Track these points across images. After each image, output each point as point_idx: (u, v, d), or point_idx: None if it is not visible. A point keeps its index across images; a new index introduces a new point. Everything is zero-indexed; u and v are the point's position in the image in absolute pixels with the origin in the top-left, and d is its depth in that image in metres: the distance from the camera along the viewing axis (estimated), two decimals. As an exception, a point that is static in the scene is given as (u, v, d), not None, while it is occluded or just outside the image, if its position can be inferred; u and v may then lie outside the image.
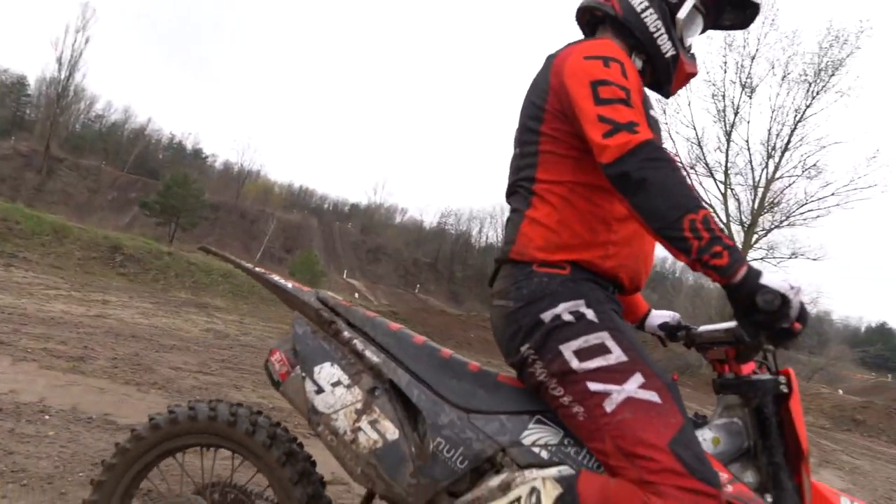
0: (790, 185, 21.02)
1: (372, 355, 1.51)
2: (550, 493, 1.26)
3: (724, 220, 21.60)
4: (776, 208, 21.10)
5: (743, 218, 21.55)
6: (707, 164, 21.89)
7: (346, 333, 1.54)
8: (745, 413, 1.41)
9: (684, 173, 1.27)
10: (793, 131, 20.70)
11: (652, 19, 1.48)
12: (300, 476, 1.57)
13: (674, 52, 1.49)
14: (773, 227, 21.21)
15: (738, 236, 21.52)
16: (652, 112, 1.49)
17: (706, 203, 21.99)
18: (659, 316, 1.82)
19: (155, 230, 38.87)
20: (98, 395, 3.94)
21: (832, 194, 20.30)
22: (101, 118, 58.78)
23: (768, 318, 1.13)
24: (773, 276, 1.15)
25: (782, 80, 20.76)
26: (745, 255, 20.23)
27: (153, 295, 11.24)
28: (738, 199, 21.71)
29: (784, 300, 1.12)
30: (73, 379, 4.24)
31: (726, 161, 21.59)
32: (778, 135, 21.01)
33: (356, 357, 1.53)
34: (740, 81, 21.09)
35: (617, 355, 1.27)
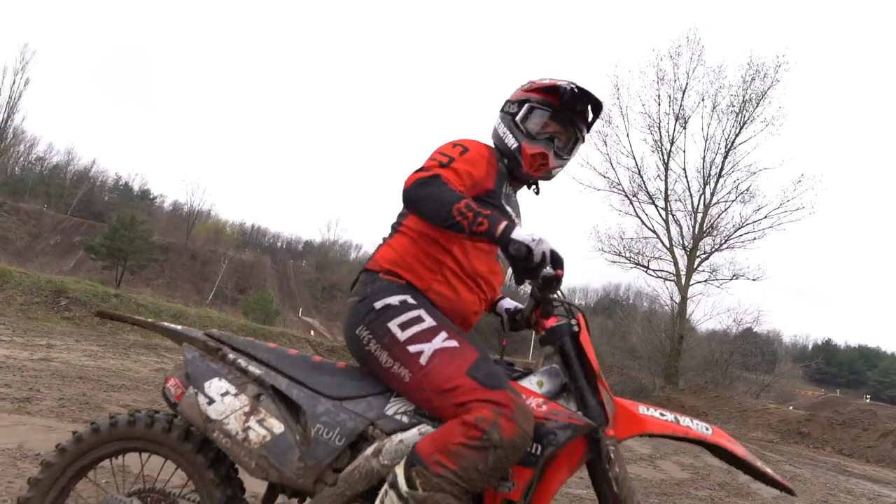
0: (726, 209, 22.09)
1: (255, 368, 1.80)
2: (401, 456, 1.57)
3: (668, 244, 22.40)
4: (715, 232, 22.05)
5: (685, 242, 22.42)
6: (648, 192, 22.80)
7: (231, 355, 1.84)
8: (557, 356, 1.71)
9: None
10: (725, 159, 21.87)
11: (501, 128, 2.04)
12: (222, 478, 1.79)
13: (516, 144, 1.99)
14: (713, 250, 22.16)
15: (682, 260, 22.33)
16: (506, 190, 1.98)
17: (649, 228, 22.66)
18: (506, 302, 2.21)
19: (101, 274, 37.67)
20: (45, 434, 3.93)
21: (765, 217, 21.39)
22: (43, 160, 57.21)
23: (521, 265, 1.54)
24: (522, 231, 1.57)
25: (712, 111, 21.94)
26: (689, 277, 20.64)
27: (100, 338, 11.01)
28: (679, 225, 22.64)
29: (528, 248, 1.53)
30: (19, 419, 4.21)
31: (665, 188, 22.56)
32: (712, 162, 22.11)
33: (241, 372, 1.81)
34: (674, 113, 22.19)
35: (428, 322, 1.69)
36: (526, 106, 2.01)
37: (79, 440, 1.81)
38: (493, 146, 2.07)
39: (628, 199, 22.94)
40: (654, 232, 22.74)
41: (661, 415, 1.68)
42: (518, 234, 1.56)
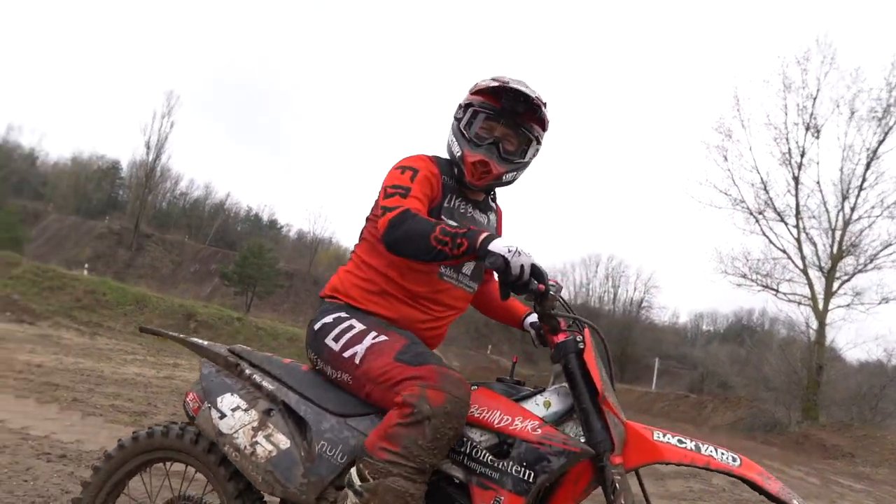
0: (870, 225, 19.87)
1: (268, 384, 1.84)
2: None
3: (801, 265, 20.56)
4: (857, 251, 19.94)
5: (821, 263, 20.46)
6: (776, 209, 21.08)
7: (247, 371, 1.88)
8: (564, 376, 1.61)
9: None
10: (867, 170, 19.74)
11: (450, 135, 1.99)
12: (241, 491, 1.84)
13: (460, 152, 1.93)
14: (856, 270, 19.98)
15: (818, 282, 20.37)
16: (449, 203, 1.93)
17: (779, 248, 21.09)
18: (532, 317, 2.19)
19: (234, 299, 40.57)
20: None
21: (920, 232, 19.05)
22: (185, 195, 62.89)
23: (501, 277, 1.52)
24: (500, 241, 1.54)
25: (850, 118, 20.00)
26: (827, 302, 18.61)
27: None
28: (814, 244, 20.67)
29: (505, 260, 1.49)
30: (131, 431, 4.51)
31: (797, 204, 20.73)
32: (851, 174, 20.07)
33: (255, 387, 1.85)
34: (804, 122, 20.48)
35: (358, 327, 1.77)
36: (470, 110, 1.94)
37: (121, 447, 1.93)
38: (433, 157, 2.02)
39: (753, 216, 21.28)
40: (784, 252, 20.92)
41: (681, 442, 1.52)
42: (495, 244, 1.54)
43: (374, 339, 1.73)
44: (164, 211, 59.30)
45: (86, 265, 31.88)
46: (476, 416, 1.64)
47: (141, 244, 49.08)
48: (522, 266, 1.50)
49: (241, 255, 42.14)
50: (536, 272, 1.52)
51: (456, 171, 1.97)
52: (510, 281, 1.50)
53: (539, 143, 2.00)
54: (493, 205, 2.16)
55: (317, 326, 1.84)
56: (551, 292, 1.58)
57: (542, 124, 1.97)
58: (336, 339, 1.77)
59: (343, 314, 1.83)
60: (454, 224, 1.66)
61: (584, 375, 1.57)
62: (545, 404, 1.65)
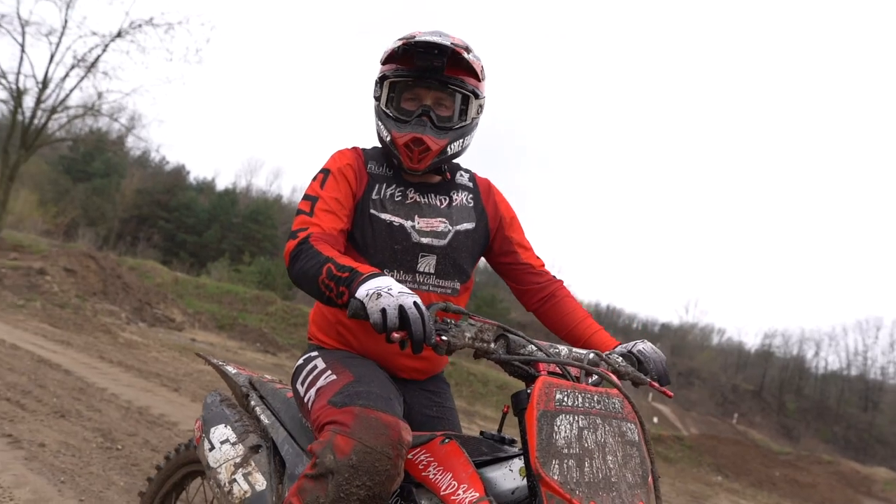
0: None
1: (265, 419, 1.76)
2: None
3: None
4: None
5: None
6: None
7: (253, 402, 1.82)
8: None
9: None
10: None
11: (375, 119, 1.72)
12: None
13: (388, 135, 1.66)
14: None
15: None
16: (379, 195, 1.69)
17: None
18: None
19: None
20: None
21: None
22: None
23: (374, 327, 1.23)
24: (368, 284, 1.28)
25: None
26: None
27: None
28: None
29: (362, 305, 1.24)
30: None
31: None
32: None
33: (254, 421, 1.79)
34: None
35: (319, 368, 1.58)
36: (386, 84, 1.66)
37: (167, 459, 2.05)
38: (357, 148, 1.78)
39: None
40: None
41: None
42: (360, 290, 1.28)
43: (325, 379, 1.53)
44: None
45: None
46: (430, 477, 1.43)
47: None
48: (384, 311, 1.21)
49: (475, 305, 44.00)
50: (404, 318, 1.22)
51: (395, 160, 1.69)
52: (377, 331, 1.23)
53: (478, 96, 1.69)
54: (468, 182, 1.82)
55: (294, 372, 1.69)
56: (455, 340, 1.29)
57: (475, 73, 1.65)
58: (302, 383, 1.60)
59: (313, 354, 1.68)
60: (343, 263, 1.37)
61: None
62: (522, 472, 1.38)
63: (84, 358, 6.80)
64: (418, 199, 1.71)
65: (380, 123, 1.69)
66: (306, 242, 1.50)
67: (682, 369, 62.98)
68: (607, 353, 1.66)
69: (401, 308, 1.23)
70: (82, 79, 16.04)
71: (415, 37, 1.59)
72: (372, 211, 1.67)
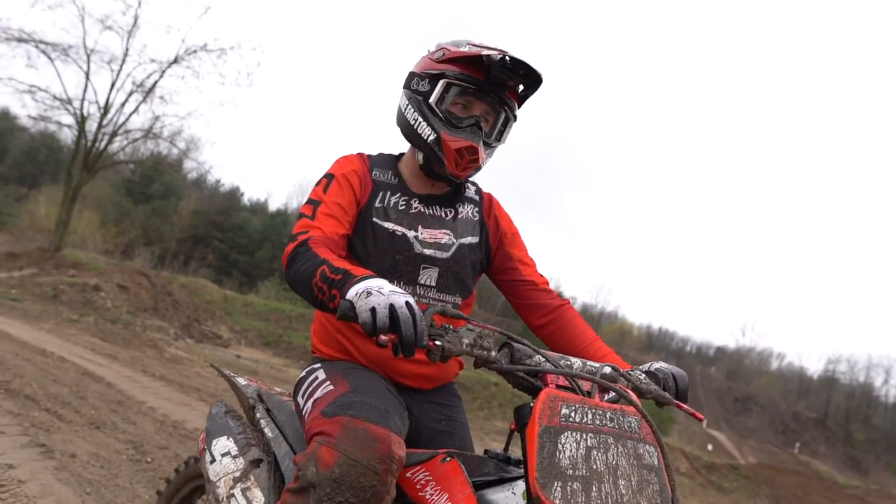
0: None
1: (269, 432, 1.70)
2: None
3: None
4: None
5: None
6: None
7: (258, 414, 1.76)
8: None
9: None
10: None
11: (410, 112, 1.63)
12: None
13: (434, 135, 1.59)
14: None
15: None
16: (382, 202, 1.65)
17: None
18: None
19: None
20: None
21: None
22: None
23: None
24: (359, 285, 1.21)
25: None
26: None
27: (473, 421, 11.98)
28: None
29: (352, 305, 1.16)
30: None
31: None
32: None
33: (260, 434, 1.72)
34: None
35: (320, 379, 1.52)
36: (441, 82, 1.59)
37: (177, 472, 2.02)
38: (363, 154, 1.73)
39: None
40: None
41: None
42: (351, 290, 1.22)
43: (323, 390, 1.47)
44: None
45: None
46: (427, 497, 1.32)
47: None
48: (373, 310, 1.12)
49: (522, 327, 43.49)
50: (394, 317, 1.12)
51: (421, 159, 1.64)
52: (367, 333, 1.14)
53: (515, 121, 1.69)
54: (474, 195, 1.78)
55: (296, 384, 1.65)
56: (450, 345, 1.18)
57: (521, 100, 1.66)
58: (303, 395, 1.55)
59: (315, 366, 1.62)
60: (338, 266, 1.31)
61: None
62: (524, 495, 1.23)
63: (128, 371, 6.92)
64: (423, 210, 1.67)
65: (419, 120, 1.62)
66: (305, 245, 1.46)
67: (739, 395, 60.74)
68: (628, 370, 1.52)
69: (391, 307, 1.14)
70: (140, 103, 16.76)
71: (505, 52, 1.55)
72: (374, 219, 1.63)
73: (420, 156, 1.65)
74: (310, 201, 1.60)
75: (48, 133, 35.42)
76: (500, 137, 1.68)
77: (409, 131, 1.65)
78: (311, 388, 1.54)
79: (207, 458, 1.71)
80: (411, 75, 1.67)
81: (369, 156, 1.74)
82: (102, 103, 16.71)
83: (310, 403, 1.49)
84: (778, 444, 48.83)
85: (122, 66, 16.68)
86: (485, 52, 1.54)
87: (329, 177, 1.64)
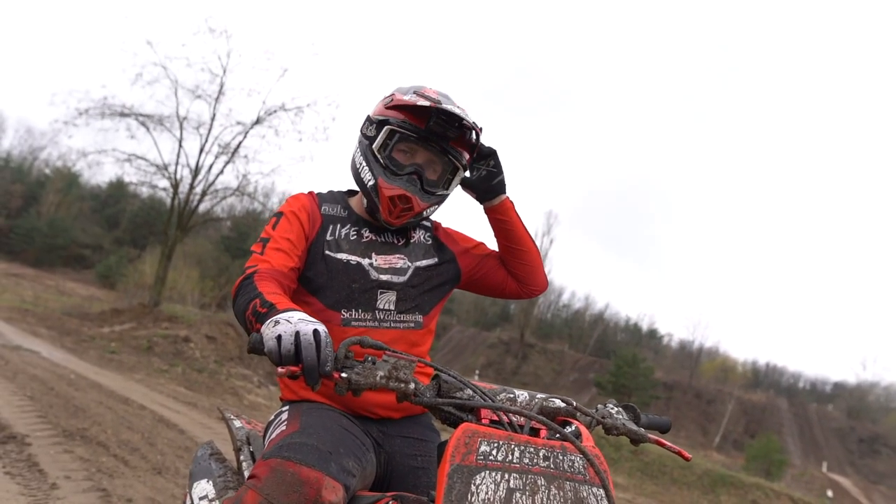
0: None
1: (247, 473, 1.61)
2: None
3: None
4: None
5: None
6: None
7: (242, 457, 1.71)
8: None
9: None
10: None
11: (358, 157, 1.66)
12: None
13: (372, 181, 1.61)
14: None
15: None
16: (333, 235, 1.67)
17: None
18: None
19: (608, 409, 40.05)
20: None
21: None
22: (567, 307, 66.48)
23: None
24: (279, 315, 1.21)
25: None
26: None
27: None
28: None
29: (260, 338, 1.18)
30: None
31: None
32: None
33: (242, 476, 1.66)
34: None
35: (283, 419, 1.51)
36: (385, 129, 1.60)
37: None
38: (313, 193, 1.77)
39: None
40: None
41: None
42: (265, 324, 1.23)
43: (278, 431, 1.46)
44: (547, 322, 63.56)
45: (477, 372, 35.84)
46: None
47: (526, 353, 53.18)
48: (279, 338, 1.13)
49: (615, 364, 41.99)
50: (298, 345, 1.12)
51: (365, 202, 1.68)
52: (273, 363, 1.14)
53: (465, 170, 1.70)
54: (425, 221, 1.79)
55: (265, 428, 1.65)
56: (358, 378, 1.13)
57: (471, 149, 1.67)
58: (267, 437, 1.55)
59: (284, 407, 1.61)
60: (268, 300, 1.32)
61: None
62: None
63: (203, 419, 7.16)
64: (374, 238, 1.70)
65: (363, 164, 1.65)
66: (249, 278, 1.48)
67: (864, 435, 55.33)
68: (604, 404, 1.39)
69: (297, 335, 1.13)
70: (227, 164, 17.86)
71: (440, 102, 1.56)
72: (327, 252, 1.65)
73: (365, 200, 1.69)
74: (260, 239, 1.63)
75: (155, 198, 38.39)
76: (447, 186, 1.69)
77: (354, 174, 1.69)
78: (271, 430, 1.54)
79: (188, 502, 1.70)
80: (366, 119, 1.70)
81: (318, 193, 1.78)
82: (193, 166, 17.97)
83: (265, 444, 1.50)
84: (800, 465, 43.77)
85: (209, 130, 17.92)
86: (420, 101, 1.56)
87: (278, 215, 1.67)
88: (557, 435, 1.23)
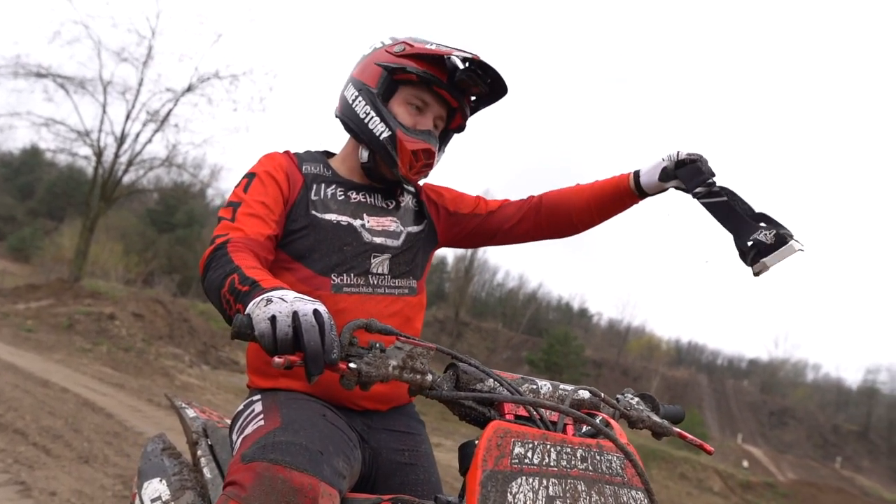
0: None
1: (208, 472, 1.47)
2: None
3: None
4: None
5: None
6: None
7: (199, 451, 1.54)
8: None
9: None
10: None
11: (361, 106, 1.50)
12: None
13: (388, 133, 1.47)
14: None
15: None
16: (318, 195, 1.51)
17: None
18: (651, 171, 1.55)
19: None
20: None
21: None
22: (501, 286, 67.37)
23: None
24: (268, 293, 1.02)
25: None
26: None
27: (455, 437, 11.59)
28: None
29: (249, 319, 0.97)
30: None
31: None
32: None
33: (200, 474, 1.49)
34: None
35: (257, 412, 1.30)
36: (392, 77, 1.48)
37: None
38: (292, 151, 1.58)
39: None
40: None
41: None
42: (251, 303, 1.03)
43: (254, 425, 1.26)
44: (481, 300, 64.24)
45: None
46: None
47: (461, 332, 53.60)
48: (273, 319, 0.94)
49: (547, 343, 42.99)
50: (298, 327, 0.92)
51: (366, 157, 1.52)
52: (266, 350, 0.94)
53: (464, 130, 1.63)
54: (409, 185, 1.68)
55: (233, 419, 1.44)
56: (369, 369, 0.95)
57: (473, 110, 1.60)
58: (237, 431, 1.34)
59: (255, 397, 1.41)
60: (249, 275, 1.14)
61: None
62: None
63: (132, 401, 6.75)
64: (363, 199, 1.55)
65: (371, 114, 1.49)
66: (222, 248, 1.28)
67: (775, 408, 58.97)
68: (623, 393, 1.28)
69: (294, 315, 0.94)
70: (155, 132, 16.89)
71: (473, 55, 1.48)
72: (313, 212, 1.48)
73: (365, 154, 1.53)
74: (228, 203, 1.42)
75: (75, 167, 36.12)
76: (445, 144, 1.63)
77: (358, 125, 1.51)
78: (244, 423, 1.33)
79: (136, 503, 1.51)
80: (366, 66, 1.54)
81: (296, 153, 1.60)
82: (118, 134, 16.90)
83: (239, 441, 1.27)
84: (818, 458, 47.04)
85: (136, 96, 16.88)
86: (448, 51, 1.46)
87: (250, 175, 1.48)
88: (584, 429, 1.09)
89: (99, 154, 16.96)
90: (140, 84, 16.86)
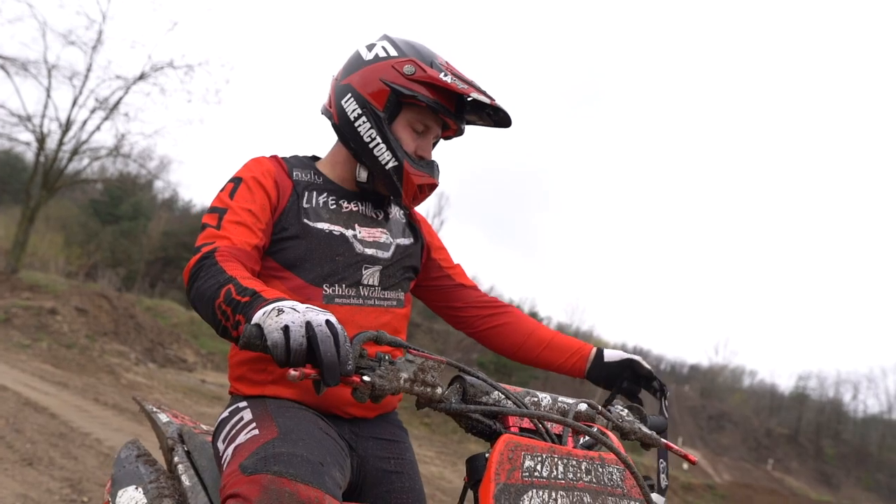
0: None
1: (187, 479, 1.43)
2: None
3: None
4: None
5: None
6: None
7: (176, 458, 1.51)
8: None
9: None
10: None
11: (366, 129, 1.44)
12: None
13: (395, 164, 1.44)
14: None
15: None
16: (310, 202, 1.48)
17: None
18: (612, 356, 1.61)
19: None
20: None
21: None
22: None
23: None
24: (275, 304, 1.00)
25: None
26: None
27: (445, 445, 11.63)
28: None
29: (259, 329, 0.95)
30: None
31: None
32: None
33: (177, 482, 1.47)
34: None
35: (246, 420, 1.28)
36: (397, 102, 1.45)
37: None
38: (280, 156, 1.54)
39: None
40: None
41: None
42: (258, 313, 1.01)
43: (246, 434, 1.24)
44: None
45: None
46: None
47: (412, 333, 53.56)
48: (287, 329, 0.92)
49: (497, 346, 43.53)
50: (312, 338, 0.91)
51: (365, 178, 1.50)
52: (278, 362, 0.92)
53: (452, 139, 1.64)
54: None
55: (216, 426, 1.41)
56: (382, 382, 0.95)
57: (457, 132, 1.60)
58: (224, 440, 1.31)
59: (241, 404, 1.38)
60: (247, 286, 1.12)
61: None
62: None
63: (77, 400, 6.50)
64: (354, 209, 1.53)
65: (380, 143, 1.44)
66: (209, 258, 1.25)
67: (713, 412, 61.01)
68: (613, 405, 1.31)
69: (308, 325, 0.92)
70: (104, 120, 16.31)
71: (484, 91, 1.47)
72: (305, 221, 1.45)
73: (364, 174, 1.50)
74: (213, 209, 1.39)
75: (13, 153, 34.43)
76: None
77: (359, 146, 1.47)
78: (234, 431, 1.29)
79: None
80: (366, 83, 1.48)
81: (284, 157, 1.56)
82: (63, 120, 16.22)
83: (230, 450, 1.24)
84: (751, 460, 48.94)
85: (84, 82, 16.23)
86: (473, 94, 1.42)
87: (236, 181, 1.43)
88: (584, 440, 1.12)
89: (41, 140, 16.24)
90: (88, 69, 16.24)
